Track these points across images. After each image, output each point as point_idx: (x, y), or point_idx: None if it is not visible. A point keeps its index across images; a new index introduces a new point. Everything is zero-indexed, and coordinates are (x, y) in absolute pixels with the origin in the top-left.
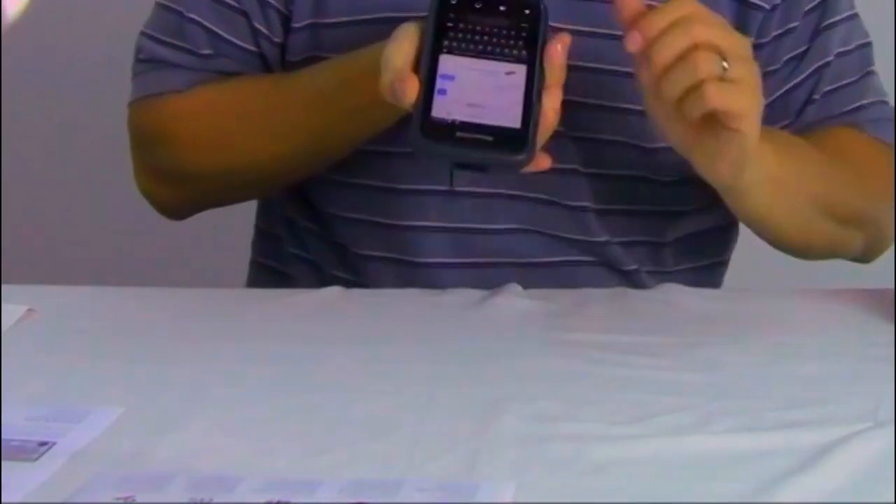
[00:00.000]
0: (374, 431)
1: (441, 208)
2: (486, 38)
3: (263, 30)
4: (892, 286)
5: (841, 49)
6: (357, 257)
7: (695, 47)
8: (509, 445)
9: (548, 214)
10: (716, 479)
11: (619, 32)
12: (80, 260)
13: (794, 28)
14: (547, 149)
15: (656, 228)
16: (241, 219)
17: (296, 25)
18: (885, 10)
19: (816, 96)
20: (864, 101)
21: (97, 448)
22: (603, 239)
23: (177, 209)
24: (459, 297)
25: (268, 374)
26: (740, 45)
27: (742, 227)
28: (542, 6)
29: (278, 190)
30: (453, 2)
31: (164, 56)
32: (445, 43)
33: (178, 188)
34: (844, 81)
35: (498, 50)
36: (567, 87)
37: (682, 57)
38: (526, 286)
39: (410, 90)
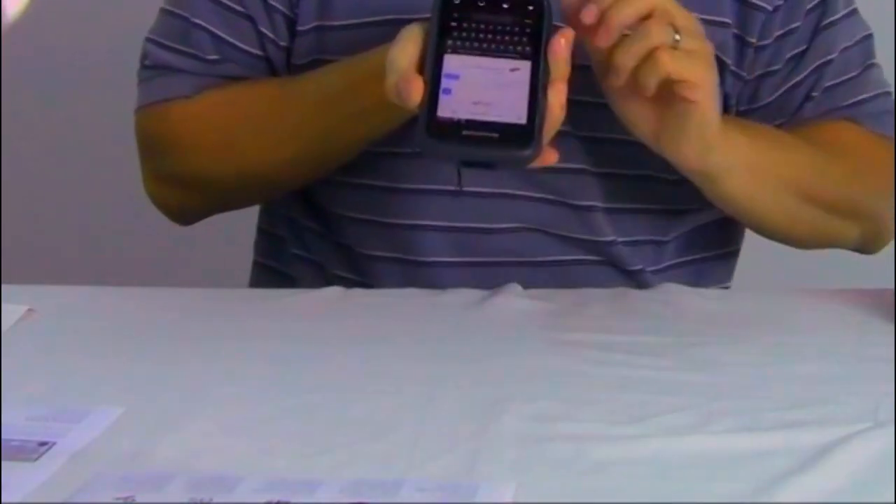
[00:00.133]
0: (374, 431)
1: (444, 208)
2: (489, 35)
3: (269, 34)
4: (892, 286)
5: (843, 45)
6: (362, 257)
7: (649, 15)
8: (509, 445)
9: (553, 214)
10: (716, 479)
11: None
12: (80, 260)
13: (796, 28)
14: (553, 147)
15: (662, 227)
16: (242, 219)
17: (301, 28)
18: (885, 7)
19: (815, 93)
20: (865, 96)
21: (97, 448)
22: (609, 238)
23: (186, 215)
24: (459, 297)
25: (268, 374)
26: (693, 21)
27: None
28: (545, 2)
29: (285, 193)
30: (456, 1)
31: (170, 62)
32: (449, 42)
33: (186, 194)
34: (845, 77)
35: (502, 47)
36: (574, 87)
37: (636, 27)
38: (529, 286)
39: (415, 91)
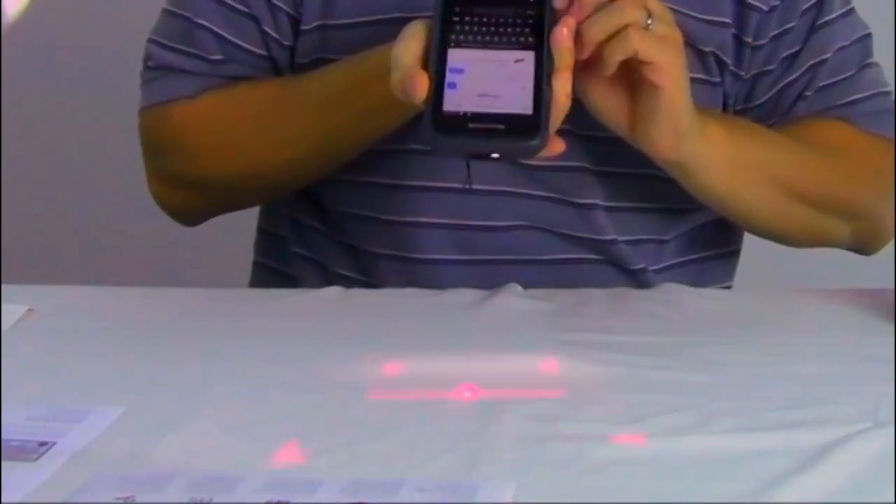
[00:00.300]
0: (374, 431)
1: (446, 205)
2: (492, 28)
3: (273, 33)
4: (892, 286)
5: (839, 45)
6: (366, 255)
7: None
8: (509, 445)
9: (555, 212)
10: (716, 479)
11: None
12: (80, 260)
13: (792, 28)
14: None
15: (662, 226)
16: (242, 219)
17: (305, 27)
18: (884, 7)
19: (809, 93)
20: (859, 95)
21: (97, 448)
22: (610, 237)
23: (190, 215)
24: (460, 297)
25: (268, 373)
26: (666, 10)
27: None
28: None
29: (289, 192)
30: None
31: (173, 62)
32: (452, 37)
33: (190, 194)
34: (840, 76)
35: (505, 39)
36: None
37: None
38: (530, 284)
39: (420, 87)
